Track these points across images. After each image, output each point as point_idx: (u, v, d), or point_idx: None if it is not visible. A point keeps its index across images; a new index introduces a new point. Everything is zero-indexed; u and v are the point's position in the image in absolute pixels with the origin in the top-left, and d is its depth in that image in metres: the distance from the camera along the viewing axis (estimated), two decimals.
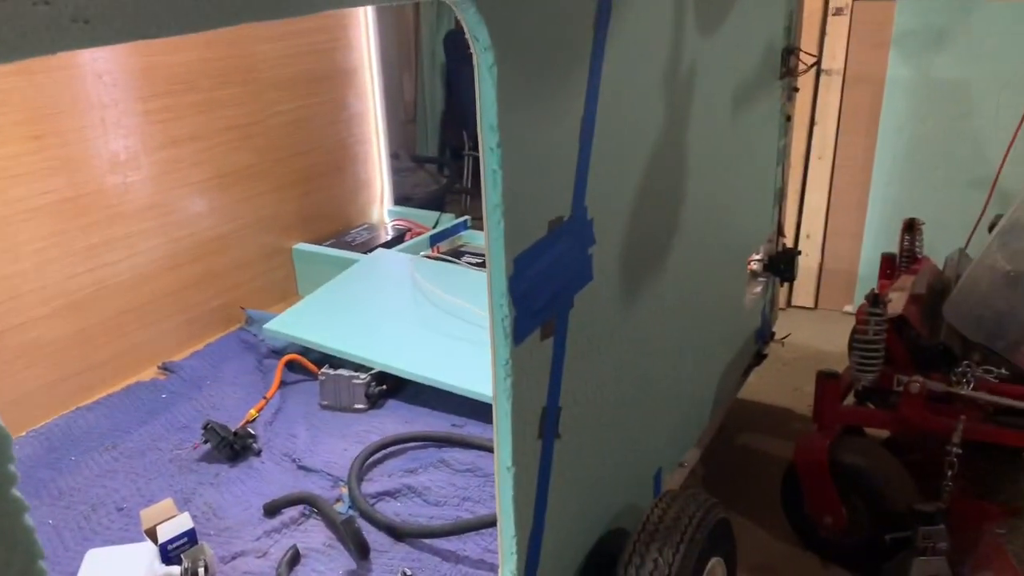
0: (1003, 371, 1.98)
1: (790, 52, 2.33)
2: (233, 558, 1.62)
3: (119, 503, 1.79)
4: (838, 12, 3.33)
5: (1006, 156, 2.56)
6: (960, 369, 1.97)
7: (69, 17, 0.55)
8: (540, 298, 1.20)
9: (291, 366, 2.29)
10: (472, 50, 1.01)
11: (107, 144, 2.19)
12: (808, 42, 3.25)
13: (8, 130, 1.95)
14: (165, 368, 2.34)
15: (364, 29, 2.99)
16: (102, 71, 2.16)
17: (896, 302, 2.17)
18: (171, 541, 1.55)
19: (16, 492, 0.57)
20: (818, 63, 3.35)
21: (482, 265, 2.79)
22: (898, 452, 2.07)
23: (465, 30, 1.00)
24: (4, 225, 1.97)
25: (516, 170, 1.09)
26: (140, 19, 0.61)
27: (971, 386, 1.95)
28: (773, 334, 2.70)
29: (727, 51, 1.86)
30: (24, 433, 2.03)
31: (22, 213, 2.00)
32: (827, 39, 3.36)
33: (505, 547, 1.22)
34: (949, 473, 1.86)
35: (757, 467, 2.51)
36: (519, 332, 1.15)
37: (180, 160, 2.39)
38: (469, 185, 4.65)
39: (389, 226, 3.14)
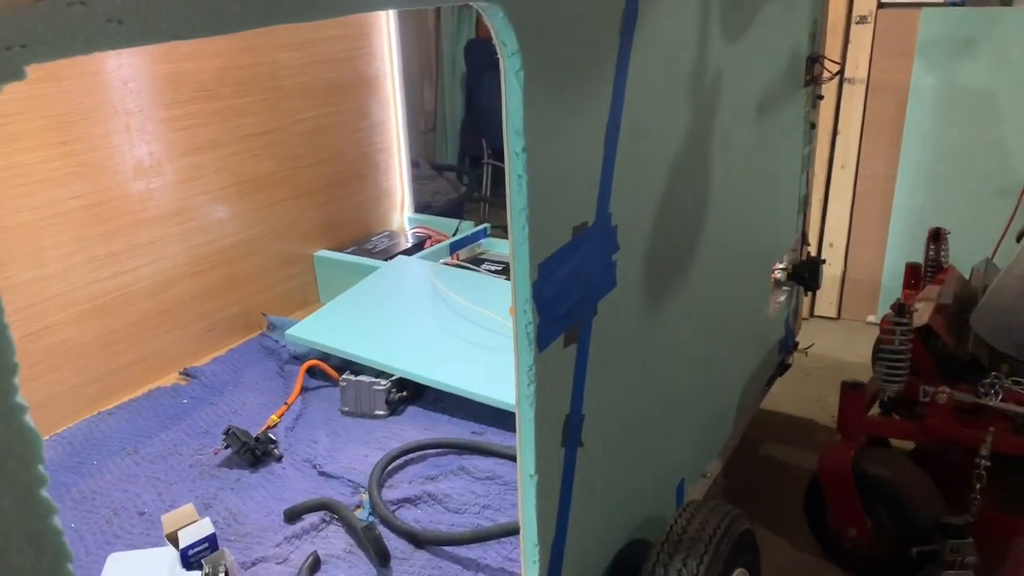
0: None
1: (814, 60, 2.32)
2: (253, 564, 1.62)
3: (140, 507, 1.80)
4: (861, 20, 3.31)
5: None
6: (988, 380, 1.94)
7: (105, 17, 0.55)
8: (564, 304, 1.19)
9: (312, 372, 2.29)
10: (499, 55, 1.01)
11: (131, 150, 2.21)
12: (831, 51, 3.23)
13: (35, 136, 1.97)
14: (186, 373, 2.35)
15: (386, 38, 3.00)
16: (127, 78, 2.18)
17: (922, 312, 2.14)
18: (192, 546, 1.55)
19: (45, 493, 0.57)
20: (841, 71, 3.33)
21: (502, 272, 2.80)
22: (923, 464, 2.04)
23: (492, 35, 0.99)
24: (29, 230, 1.99)
25: (541, 175, 1.08)
26: (172, 20, 0.61)
27: (999, 397, 1.91)
28: (797, 344, 2.68)
29: (752, 58, 1.85)
30: (46, 437, 2.04)
31: (47, 218, 2.02)
32: (850, 47, 3.34)
33: (527, 555, 1.21)
34: (977, 486, 1.83)
35: (780, 478, 2.49)
36: (543, 338, 1.14)
37: (202, 167, 2.40)
38: (488, 193, 4.66)
39: (409, 233, 3.14)
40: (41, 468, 0.56)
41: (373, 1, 0.80)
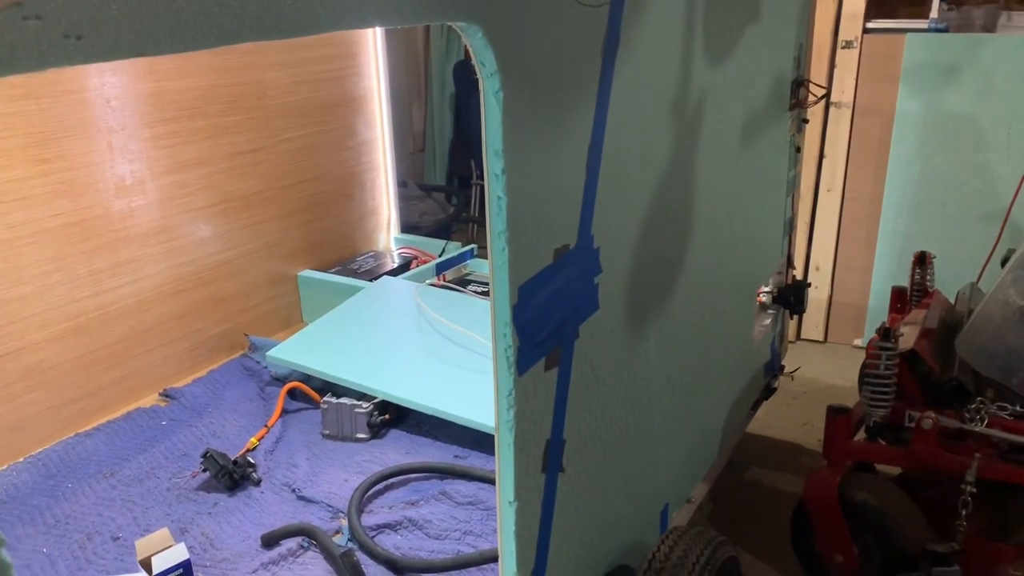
0: (1017, 408, 1.94)
1: (799, 83, 2.32)
2: None
3: (115, 532, 1.76)
4: (847, 45, 3.33)
5: (1018, 190, 2.54)
6: (974, 406, 1.92)
7: (61, 33, 0.54)
8: (545, 328, 1.17)
9: (293, 394, 2.26)
10: (478, 75, 1.00)
11: (113, 168, 2.19)
12: (817, 75, 3.25)
13: (14, 153, 1.95)
14: (166, 395, 2.32)
15: (373, 57, 3.00)
16: (110, 96, 2.16)
17: (907, 336, 2.13)
18: (165, 572, 1.52)
19: None
20: (827, 96, 3.34)
21: (487, 294, 2.78)
22: (910, 489, 2.02)
23: (471, 55, 0.98)
24: (7, 249, 1.96)
25: (521, 197, 1.07)
26: (136, 36, 0.59)
27: (985, 423, 1.90)
28: (782, 367, 2.67)
29: (736, 81, 1.85)
30: (22, 459, 2.01)
31: (26, 237, 2.00)
32: (836, 72, 3.36)
33: None
34: (963, 512, 1.81)
35: (766, 503, 2.46)
36: (523, 362, 1.12)
37: (186, 185, 2.39)
38: (476, 214, 4.65)
39: (395, 254, 3.13)
40: None
41: (342, 20, 0.78)
